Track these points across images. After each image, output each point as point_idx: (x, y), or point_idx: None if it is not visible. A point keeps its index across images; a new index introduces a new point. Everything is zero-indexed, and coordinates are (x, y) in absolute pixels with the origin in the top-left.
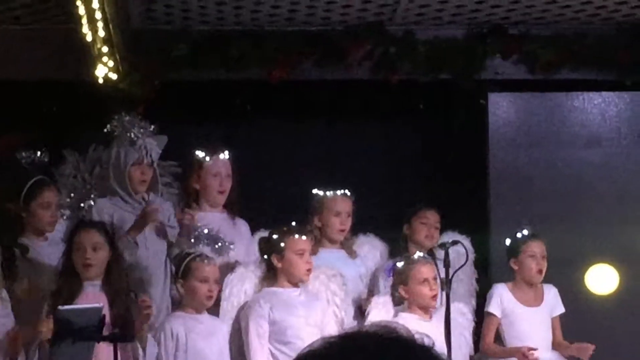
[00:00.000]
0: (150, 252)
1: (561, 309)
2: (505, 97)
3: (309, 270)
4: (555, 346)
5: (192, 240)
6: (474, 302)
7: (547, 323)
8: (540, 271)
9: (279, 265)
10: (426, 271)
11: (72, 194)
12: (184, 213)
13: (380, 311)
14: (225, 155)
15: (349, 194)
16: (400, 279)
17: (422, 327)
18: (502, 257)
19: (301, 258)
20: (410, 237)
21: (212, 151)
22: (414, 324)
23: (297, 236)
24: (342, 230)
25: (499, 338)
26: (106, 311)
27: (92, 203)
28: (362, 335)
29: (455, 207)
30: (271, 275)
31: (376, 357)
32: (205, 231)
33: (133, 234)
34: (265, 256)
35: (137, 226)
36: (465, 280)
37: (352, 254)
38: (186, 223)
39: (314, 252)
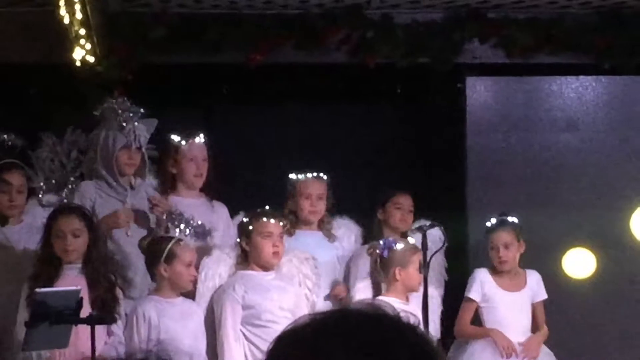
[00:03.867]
0: (132, 239)
1: (543, 295)
2: (483, 81)
3: (275, 254)
4: (534, 330)
5: (173, 224)
6: (441, 290)
7: (527, 308)
8: (502, 262)
9: (247, 247)
10: (420, 258)
11: (49, 178)
12: (152, 204)
13: (362, 295)
14: (200, 138)
15: (322, 176)
16: (398, 261)
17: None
18: (479, 242)
19: (268, 241)
20: (385, 221)
21: (188, 135)
22: (396, 306)
23: (264, 219)
24: (313, 212)
25: (479, 322)
26: (85, 294)
27: (74, 186)
28: (348, 312)
29: (432, 191)
30: (243, 257)
31: (363, 333)
32: (185, 216)
33: (106, 229)
34: (238, 239)
35: (108, 224)
36: (435, 266)
37: (330, 236)
38: (157, 211)
39: (290, 233)
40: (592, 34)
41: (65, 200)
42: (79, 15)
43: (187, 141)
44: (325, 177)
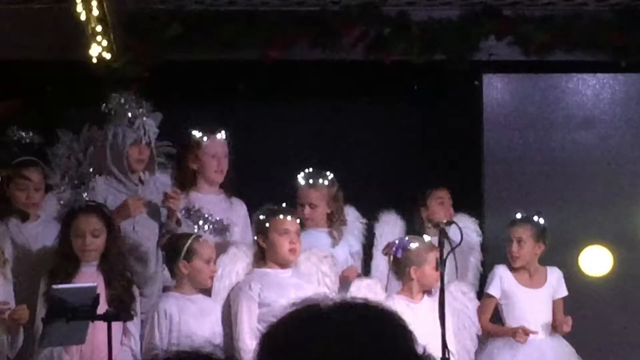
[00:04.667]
0: (140, 235)
1: (564, 292)
2: (499, 79)
3: (292, 251)
4: (554, 328)
5: (192, 220)
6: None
7: (548, 305)
8: (513, 257)
9: (264, 245)
10: (436, 256)
11: (65, 174)
12: (168, 197)
13: (364, 294)
14: (222, 135)
15: (325, 183)
16: (414, 260)
17: (413, 310)
18: (495, 238)
19: (285, 238)
20: (429, 217)
21: (210, 131)
22: (404, 307)
23: (281, 216)
24: (307, 219)
25: (499, 319)
26: (102, 291)
27: (93, 183)
28: (323, 304)
29: (449, 188)
30: (260, 256)
31: (339, 322)
32: (203, 212)
33: (117, 221)
34: (255, 237)
35: (119, 214)
36: (470, 261)
37: (335, 238)
38: (171, 207)
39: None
40: (609, 31)
41: (86, 197)
42: (95, 12)
43: (209, 137)
44: (326, 182)
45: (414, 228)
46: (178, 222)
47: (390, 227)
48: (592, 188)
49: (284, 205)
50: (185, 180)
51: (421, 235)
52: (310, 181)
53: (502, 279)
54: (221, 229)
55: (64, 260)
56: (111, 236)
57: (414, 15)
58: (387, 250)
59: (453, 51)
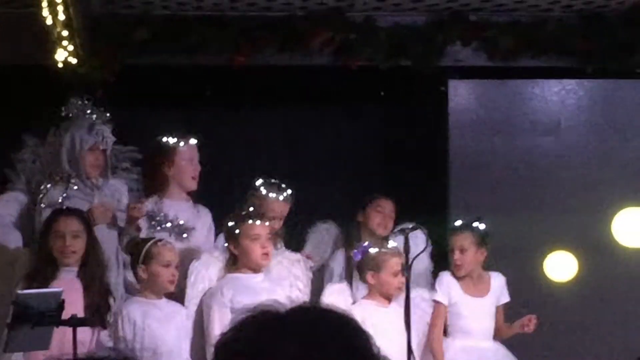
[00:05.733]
0: (103, 240)
1: (506, 298)
2: (465, 84)
3: (265, 255)
4: (496, 332)
5: (152, 225)
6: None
7: (492, 314)
8: (456, 265)
9: (236, 252)
10: (398, 263)
11: (31, 179)
12: (133, 205)
13: (337, 299)
14: (194, 140)
15: (283, 197)
16: (371, 265)
17: (381, 314)
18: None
19: (256, 244)
20: (364, 224)
21: (184, 137)
22: (372, 310)
23: (251, 221)
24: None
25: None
26: (80, 298)
27: (49, 187)
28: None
29: (415, 194)
30: (232, 261)
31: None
32: (166, 217)
33: None
34: (226, 244)
35: None
36: (425, 268)
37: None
38: (135, 215)
39: None
40: (574, 37)
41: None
42: (61, 17)
43: (185, 143)
44: (288, 195)
45: (350, 235)
46: (138, 229)
47: (318, 235)
48: (557, 194)
49: (251, 209)
50: (157, 186)
51: (353, 244)
52: (281, 195)
53: (450, 286)
54: (179, 231)
55: (43, 265)
56: (90, 242)
57: (380, 20)
58: (349, 253)
59: (419, 57)
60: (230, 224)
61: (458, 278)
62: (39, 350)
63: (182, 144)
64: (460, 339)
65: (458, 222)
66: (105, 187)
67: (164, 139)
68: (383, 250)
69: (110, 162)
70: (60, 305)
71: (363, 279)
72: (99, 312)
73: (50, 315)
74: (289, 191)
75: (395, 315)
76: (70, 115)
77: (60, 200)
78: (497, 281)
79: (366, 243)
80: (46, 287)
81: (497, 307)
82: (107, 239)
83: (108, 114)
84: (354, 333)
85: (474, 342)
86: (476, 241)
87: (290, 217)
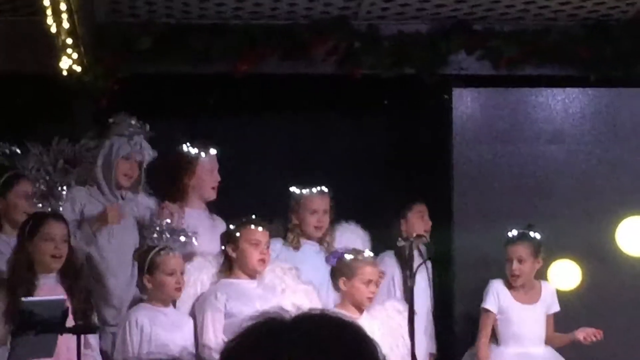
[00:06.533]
0: (114, 246)
1: (557, 308)
2: (469, 93)
3: (262, 261)
4: (547, 340)
5: (155, 234)
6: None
7: (542, 321)
8: (514, 275)
9: (234, 255)
10: (372, 272)
11: (35, 187)
12: (163, 209)
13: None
14: (214, 151)
15: (325, 190)
16: (345, 271)
17: None
18: (464, 252)
19: (255, 249)
20: (408, 230)
21: (205, 147)
22: None
23: (252, 227)
24: (319, 227)
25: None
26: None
27: (65, 189)
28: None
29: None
30: (227, 266)
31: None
32: (167, 224)
33: (94, 227)
34: (223, 247)
35: (97, 221)
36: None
37: (328, 249)
38: (162, 217)
39: (296, 247)
40: (578, 45)
41: (60, 205)
42: (66, 25)
43: (205, 153)
44: (327, 190)
45: (390, 240)
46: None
47: (347, 236)
48: (561, 202)
49: (253, 216)
50: (176, 195)
51: (392, 248)
52: (314, 190)
53: (499, 295)
54: (188, 242)
55: (23, 270)
56: (72, 248)
57: (384, 29)
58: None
59: (423, 65)
60: (231, 227)
61: (511, 286)
62: (42, 358)
63: (203, 154)
64: (512, 346)
65: (514, 232)
66: (133, 201)
67: (184, 149)
68: (358, 257)
69: (143, 178)
70: (65, 313)
71: (335, 285)
72: (86, 315)
73: (54, 322)
74: (324, 187)
75: (367, 327)
76: (115, 124)
77: (78, 204)
78: (548, 290)
79: (342, 248)
80: (28, 295)
81: (548, 317)
82: (121, 243)
83: (149, 129)
84: (360, 341)
85: (526, 349)
86: (533, 251)
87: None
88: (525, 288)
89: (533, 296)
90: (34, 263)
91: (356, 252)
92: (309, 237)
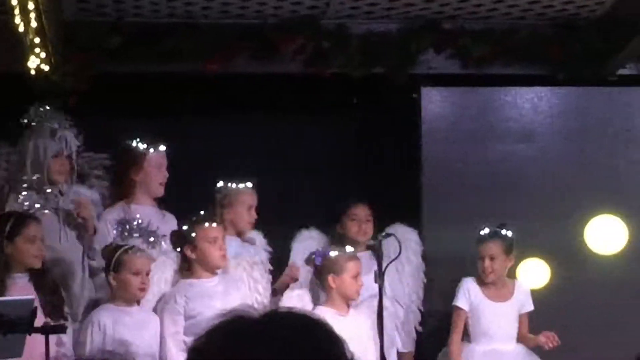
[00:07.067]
0: (69, 246)
1: (530, 307)
2: (438, 92)
3: (223, 257)
4: (520, 339)
5: (125, 233)
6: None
7: (514, 319)
8: (486, 273)
9: (193, 255)
10: (357, 266)
11: (3, 186)
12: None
13: (296, 305)
14: (163, 147)
15: (251, 186)
16: (333, 269)
17: (340, 322)
18: (434, 251)
19: (214, 246)
20: (344, 234)
21: (153, 143)
22: (329, 318)
23: (207, 224)
24: (252, 223)
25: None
26: (36, 300)
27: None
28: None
29: (387, 201)
30: (186, 266)
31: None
32: (138, 224)
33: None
34: (179, 249)
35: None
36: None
37: (250, 240)
38: (84, 215)
39: None
40: (547, 45)
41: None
42: (34, 24)
43: (154, 149)
44: (252, 186)
45: (333, 243)
46: (94, 231)
47: (304, 243)
48: (530, 201)
49: (202, 213)
50: (124, 191)
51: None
52: (248, 184)
53: (470, 292)
54: (157, 242)
55: (2, 270)
56: None
57: (353, 28)
58: (309, 259)
59: (392, 64)
60: (185, 227)
61: (481, 284)
62: (10, 359)
63: (151, 150)
64: (483, 343)
65: (486, 230)
66: (70, 193)
67: (133, 144)
68: (341, 253)
69: (75, 168)
70: (33, 313)
71: (323, 284)
72: (55, 307)
73: (22, 323)
74: (249, 183)
75: (355, 325)
76: (33, 123)
77: (25, 207)
78: (522, 289)
79: (327, 247)
80: (4, 295)
81: (522, 316)
82: (74, 244)
83: (70, 119)
84: (328, 339)
85: (496, 346)
86: (505, 248)
87: (269, 226)
88: (496, 286)
89: (505, 294)
90: (12, 263)
91: (338, 248)
92: (239, 233)
